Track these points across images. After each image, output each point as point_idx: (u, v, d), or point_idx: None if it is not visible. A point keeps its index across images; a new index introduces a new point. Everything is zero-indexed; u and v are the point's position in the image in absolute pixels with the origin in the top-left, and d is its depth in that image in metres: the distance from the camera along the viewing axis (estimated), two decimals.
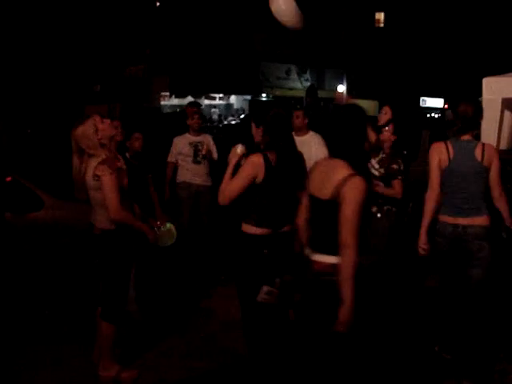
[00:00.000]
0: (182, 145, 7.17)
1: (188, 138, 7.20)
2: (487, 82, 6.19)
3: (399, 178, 5.31)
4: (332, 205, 3.18)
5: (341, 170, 3.21)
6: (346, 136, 3.33)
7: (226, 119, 28.30)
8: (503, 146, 6.49)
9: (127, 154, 6.11)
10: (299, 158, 4.31)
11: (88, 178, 4.26)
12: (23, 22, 20.07)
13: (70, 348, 5.04)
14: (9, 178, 6.74)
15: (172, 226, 6.03)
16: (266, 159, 4.06)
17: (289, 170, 4.14)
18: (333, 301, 3.14)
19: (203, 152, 7.03)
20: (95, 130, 4.25)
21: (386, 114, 6.14)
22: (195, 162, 7.11)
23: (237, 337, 5.26)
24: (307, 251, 3.40)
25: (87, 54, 22.05)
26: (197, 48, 25.48)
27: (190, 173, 7.10)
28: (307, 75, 32.31)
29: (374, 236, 5.23)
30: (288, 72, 31.38)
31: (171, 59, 25.04)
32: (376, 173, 5.35)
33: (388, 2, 32.70)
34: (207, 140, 7.25)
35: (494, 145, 6.16)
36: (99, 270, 4.46)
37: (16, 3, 19.88)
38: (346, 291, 3.11)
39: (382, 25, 32.24)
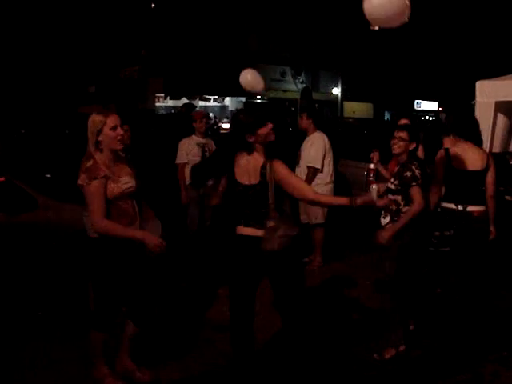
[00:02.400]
0: (190, 146, 7.36)
1: (195, 139, 7.42)
2: (480, 86, 6.23)
3: (413, 184, 4.89)
4: None
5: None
6: None
7: (220, 121, 28.31)
8: (496, 148, 6.53)
9: None
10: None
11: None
12: (18, 23, 20.03)
13: (62, 349, 5.03)
14: (2, 179, 6.72)
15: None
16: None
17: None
18: None
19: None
20: (100, 128, 4.09)
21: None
22: None
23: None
24: None
25: (82, 55, 22.03)
26: (192, 49, 25.49)
27: None
28: (302, 77, 32.37)
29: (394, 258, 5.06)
30: (283, 74, 31.43)
31: (166, 61, 25.03)
32: (392, 186, 5.07)
33: None
34: (211, 143, 7.53)
35: (487, 148, 6.20)
36: (89, 276, 4.40)
37: (11, 4, 19.83)
38: None
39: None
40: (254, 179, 4.02)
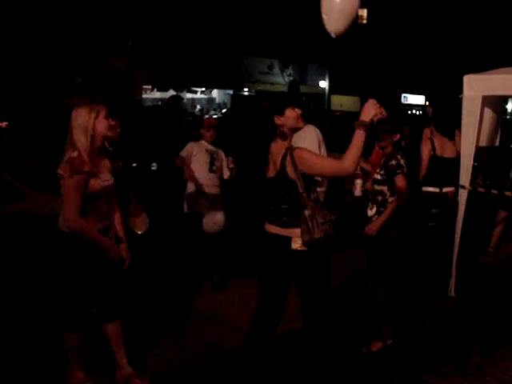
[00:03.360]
0: (198, 150, 6.80)
1: (204, 144, 6.85)
2: (468, 80, 6.24)
3: (398, 172, 5.00)
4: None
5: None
6: None
7: (207, 113, 28.25)
8: (483, 142, 6.56)
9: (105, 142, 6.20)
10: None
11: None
12: (3, 13, 19.86)
13: (43, 344, 5.01)
14: None
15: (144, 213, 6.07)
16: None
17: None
18: None
19: (230, 166, 6.77)
20: (97, 116, 3.99)
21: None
22: (211, 170, 6.78)
23: (218, 332, 5.30)
24: None
25: (68, 46, 21.89)
26: (179, 41, 25.39)
27: (204, 181, 6.74)
28: (290, 70, 32.35)
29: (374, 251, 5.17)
30: (270, 67, 31.39)
31: (153, 52, 24.92)
32: (378, 176, 5.15)
33: None
34: (221, 153, 6.95)
35: (473, 142, 6.25)
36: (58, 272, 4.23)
37: None
38: None
39: (364, 21, 32.19)
40: (274, 171, 3.80)
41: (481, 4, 31.96)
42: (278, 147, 3.81)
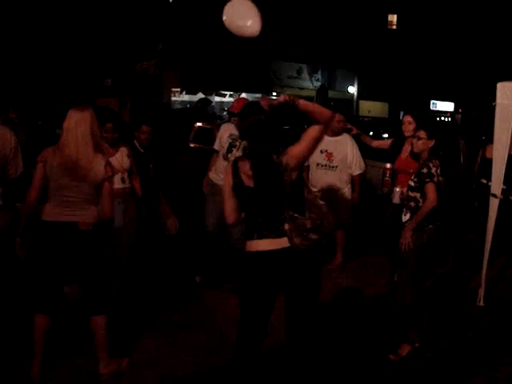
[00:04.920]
0: (223, 134, 6.65)
1: (231, 128, 6.59)
2: (502, 87, 6.16)
3: (427, 180, 4.96)
4: None
5: None
6: None
7: None
8: None
9: (136, 142, 6.35)
10: (274, 167, 3.72)
11: None
12: (37, 16, 20.12)
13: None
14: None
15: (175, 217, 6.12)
16: (234, 167, 3.81)
17: (261, 177, 3.72)
18: None
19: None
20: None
21: (410, 124, 6.25)
22: (225, 158, 6.49)
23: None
24: None
25: (99, 48, 22.10)
26: (208, 45, 25.48)
27: (219, 170, 6.55)
28: (318, 75, 32.26)
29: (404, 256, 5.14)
30: (299, 71, 31.33)
31: (183, 55, 25.04)
32: (412, 183, 5.15)
33: (401, 4, 32.60)
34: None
35: (506, 150, 6.18)
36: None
37: None
38: None
39: (394, 27, 32.11)
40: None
41: None
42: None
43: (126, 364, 4.59)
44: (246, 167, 3.74)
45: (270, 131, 3.76)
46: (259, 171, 3.71)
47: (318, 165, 7.45)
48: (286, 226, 3.62)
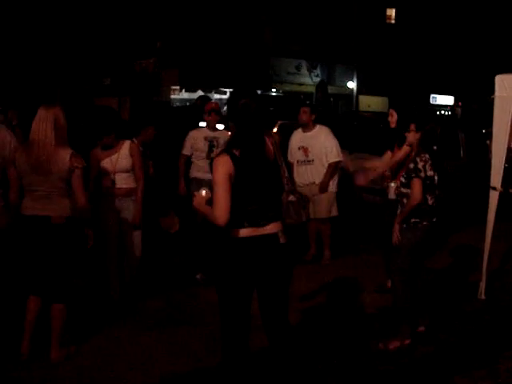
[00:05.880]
0: (197, 139, 7.04)
1: (204, 132, 7.09)
2: (500, 80, 6.15)
3: (413, 176, 4.95)
4: None
5: None
6: None
7: None
8: None
9: (135, 139, 6.34)
10: (265, 156, 3.69)
11: None
12: (36, 16, 20.10)
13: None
14: None
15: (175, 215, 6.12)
16: (232, 156, 3.58)
17: (254, 165, 3.62)
18: None
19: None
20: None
21: (392, 117, 6.25)
22: (208, 157, 6.87)
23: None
24: None
25: (97, 47, 22.08)
26: (207, 42, 25.47)
27: (203, 169, 6.93)
28: (317, 71, 32.23)
29: (396, 252, 5.16)
30: (298, 67, 31.30)
31: (181, 53, 25.03)
32: (403, 179, 5.14)
33: None
34: (224, 136, 6.73)
35: (505, 143, 6.17)
36: None
37: None
38: None
39: (393, 21, 32.10)
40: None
41: None
42: None
43: (74, 350, 4.80)
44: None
45: (260, 112, 3.73)
46: (258, 155, 3.63)
47: (297, 162, 7.63)
48: (291, 197, 3.68)
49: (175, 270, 7.03)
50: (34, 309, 4.65)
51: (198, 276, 6.78)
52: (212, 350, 4.93)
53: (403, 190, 5.12)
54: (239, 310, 3.69)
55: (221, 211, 3.51)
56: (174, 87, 26.87)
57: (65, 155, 4.47)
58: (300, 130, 7.74)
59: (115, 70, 23.52)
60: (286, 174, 3.72)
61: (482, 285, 6.37)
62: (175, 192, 7.17)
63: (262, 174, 3.63)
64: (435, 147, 5.16)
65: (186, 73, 25.40)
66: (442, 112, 38.21)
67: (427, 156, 5.02)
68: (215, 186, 3.55)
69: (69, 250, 4.59)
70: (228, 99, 4.19)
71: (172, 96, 26.87)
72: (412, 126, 5.14)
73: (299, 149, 7.61)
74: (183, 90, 27.46)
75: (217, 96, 28.79)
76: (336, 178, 7.65)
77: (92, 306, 5.73)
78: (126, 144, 5.85)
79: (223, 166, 3.55)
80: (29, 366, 4.57)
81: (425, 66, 33.53)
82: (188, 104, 24.42)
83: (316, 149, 7.55)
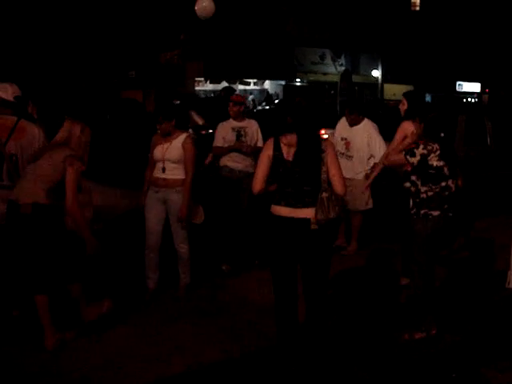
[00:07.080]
0: (225, 130, 7.10)
1: (231, 123, 7.13)
2: None
3: (406, 153, 4.96)
4: None
5: None
6: None
7: (260, 104, 28.23)
8: None
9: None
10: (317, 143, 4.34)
11: None
12: (61, 10, 20.23)
13: None
14: None
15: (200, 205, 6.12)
16: (275, 140, 4.29)
17: (305, 151, 4.27)
18: None
19: (247, 145, 7.00)
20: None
21: (404, 105, 6.22)
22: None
23: (273, 322, 5.30)
24: None
25: (122, 40, 22.17)
26: (231, 33, 25.44)
27: (232, 159, 7.04)
28: (342, 60, 32.03)
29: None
30: (322, 57, 31.13)
31: (206, 45, 25.03)
32: (409, 168, 5.07)
33: None
34: (251, 126, 7.14)
35: None
36: None
37: None
38: None
39: (417, 8, 31.61)
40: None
41: None
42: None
43: (72, 336, 4.87)
44: (292, 140, 4.24)
45: (313, 111, 4.43)
46: (305, 144, 4.23)
47: (338, 152, 7.43)
48: (324, 194, 4.13)
49: (201, 261, 7.05)
50: (43, 300, 4.68)
51: (223, 267, 6.82)
52: (237, 340, 4.99)
53: (412, 177, 5.03)
54: (282, 279, 4.32)
55: (255, 181, 4.31)
56: (198, 79, 26.91)
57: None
58: (346, 120, 7.74)
59: (140, 63, 23.61)
60: (324, 176, 4.19)
61: (510, 274, 6.31)
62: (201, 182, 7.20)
63: (299, 162, 4.20)
64: (442, 134, 4.98)
65: (211, 64, 25.41)
66: (469, 99, 37.77)
67: (436, 146, 4.88)
68: (258, 161, 4.39)
69: (42, 240, 4.63)
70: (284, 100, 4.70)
71: (196, 88, 26.92)
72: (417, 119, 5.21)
73: (342, 140, 7.62)
74: (208, 82, 27.48)
75: (241, 87, 28.81)
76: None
77: (123, 294, 5.76)
78: (183, 135, 5.80)
79: (265, 148, 4.34)
80: (55, 353, 4.67)
81: (450, 52, 33.12)
82: (212, 95, 24.47)
83: (357, 144, 7.52)
